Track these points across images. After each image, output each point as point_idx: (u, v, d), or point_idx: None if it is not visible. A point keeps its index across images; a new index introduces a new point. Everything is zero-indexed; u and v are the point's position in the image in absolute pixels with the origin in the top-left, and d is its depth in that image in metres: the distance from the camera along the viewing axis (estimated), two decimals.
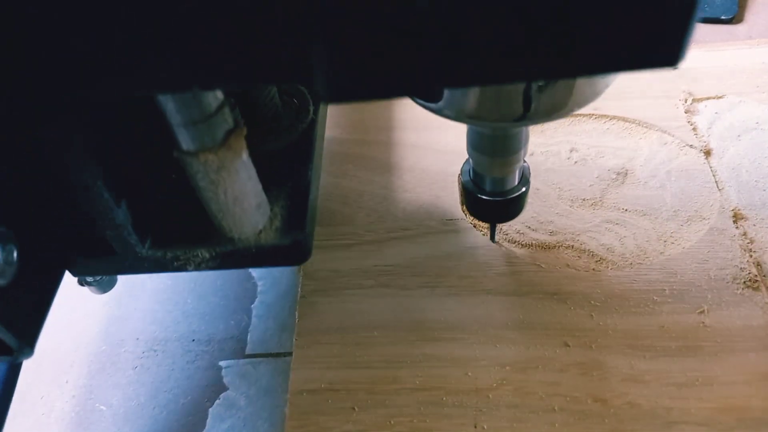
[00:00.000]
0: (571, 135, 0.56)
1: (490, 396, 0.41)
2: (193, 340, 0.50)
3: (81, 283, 0.37)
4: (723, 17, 0.71)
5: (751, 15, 0.72)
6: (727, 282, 0.45)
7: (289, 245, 0.33)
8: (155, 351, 0.50)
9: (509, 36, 0.18)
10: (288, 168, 0.35)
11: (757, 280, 0.44)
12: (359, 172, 0.55)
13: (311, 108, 0.36)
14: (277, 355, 0.49)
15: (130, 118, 0.30)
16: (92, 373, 0.49)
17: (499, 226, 0.50)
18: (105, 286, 0.38)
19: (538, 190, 0.52)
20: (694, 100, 0.57)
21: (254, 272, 0.54)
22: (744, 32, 0.70)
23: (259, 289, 0.53)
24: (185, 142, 0.28)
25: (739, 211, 0.49)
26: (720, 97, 0.57)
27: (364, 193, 0.54)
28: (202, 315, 0.52)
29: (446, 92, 0.29)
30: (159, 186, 0.33)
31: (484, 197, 0.41)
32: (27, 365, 0.50)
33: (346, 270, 0.49)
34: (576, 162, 0.54)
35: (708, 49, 0.62)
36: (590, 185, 0.52)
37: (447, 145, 0.56)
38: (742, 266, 0.45)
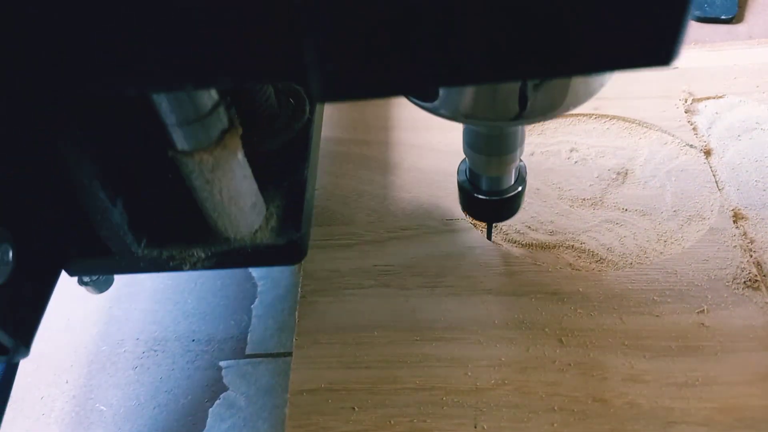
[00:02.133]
0: (571, 135, 0.56)
1: (490, 396, 0.41)
2: (193, 340, 0.50)
3: (80, 282, 0.38)
4: (723, 17, 0.71)
5: (751, 15, 0.72)
6: (727, 282, 0.45)
7: (285, 245, 0.33)
8: (155, 351, 0.50)
9: (504, 34, 0.18)
10: (284, 167, 0.35)
11: (757, 280, 0.44)
12: (359, 172, 0.55)
13: (308, 108, 0.37)
14: (277, 355, 0.49)
15: (125, 118, 0.30)
16: (92, 374, 0.49)
17: (498, 224, 0.50)
18: (102, 286, 0.38)
19: (538, 190, 0.52)
20: (694, 100, 0.57)
21: (254, 272, 0.54)
22: (744, 32, 0.70)
23: (259, 289, 0.53)
24: (180, 141, 0.28)
25: (739, 211, 0.49)
26: (720, 97, 0.57)
27: (364, 193, 0.54)
28: (202, 315, 0.52)
29: (442, 92, 0.29)
30: (154, 186, 0.33)
31: (480, 196, 0.41)
32: (27, 366, 0.50)
33: (346, 270, 0.49)
34: (576, 162, 0.54)
35: (708, 49, 0.62)
36: (590, 185, 0.52)
37: (447, 145, 0.56)
38: (742, 266, 0.45)
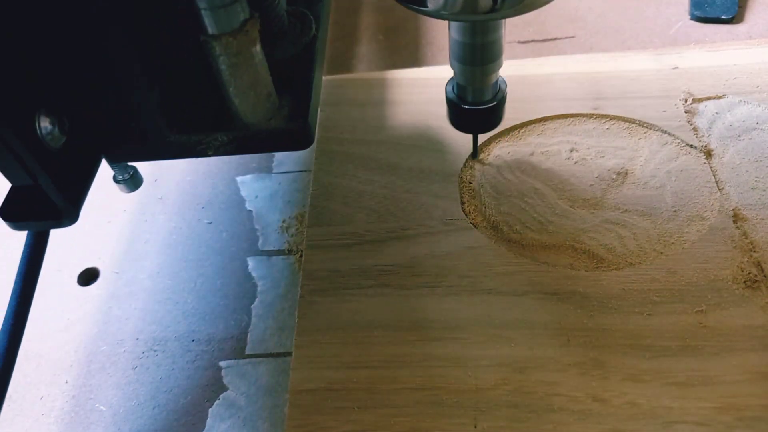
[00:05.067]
0: (571, 135, 0.56)
1: (490, 396, 0.41)
2: (193, 340, 0.50)
3: (114, 180, 0.42)
4: (723, 17, 0.71)
5: (751, 15, 0.72)
6: (727, 282, 0.45)
7: (295, 129, 0.38)
8: (155, 351, 0.50)
9: None
10: (293, 72, 0.40)
11: (757, 280, 0.44)
12: (359, 172, 0.55)
13: (313, 26, 0.41)
14: (277, 355, 0.49)
15: (162, 10, 0.34)
16: (92, 373, 0.49)
17: (497, 225, 0.50)
18: (131, 186, 0.43)
19: (538, 190, 0.52)
20: (694, 100, 0.57)
21: (254, 272, 0.54)
22: (744, 32, 0.70)
23: (259, 289, 0.53)
24: (210, 26, 0.33)
25: (739, 211, 0.49)
26: (720, 97, 0.57)
27: (364, 193, 0.54)
28: (202, 315, 0.52)
29: None
30: (185, 75, 0.38)
31: (466, 107, 0.46)
32: (26, 366, 0.50)
33: (346, 270, 0.49)
34: (576, 162, 0.54)
35: (708, 49, 0.62)
36: (590, 185, 0.52)
37: (447, 146, 0.56)
38: (742, 266, 0.45)
